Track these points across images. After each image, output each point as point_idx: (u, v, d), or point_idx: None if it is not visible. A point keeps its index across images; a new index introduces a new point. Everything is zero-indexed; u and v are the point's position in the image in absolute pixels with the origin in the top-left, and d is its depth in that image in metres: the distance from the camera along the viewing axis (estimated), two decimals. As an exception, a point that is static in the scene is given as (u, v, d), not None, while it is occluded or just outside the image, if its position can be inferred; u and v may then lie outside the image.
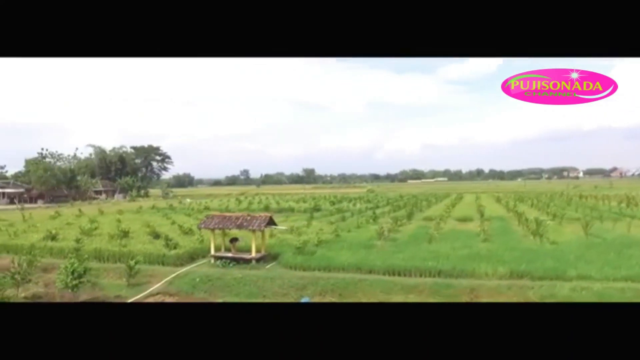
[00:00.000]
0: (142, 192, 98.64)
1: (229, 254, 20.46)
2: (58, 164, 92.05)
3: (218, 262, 20.17)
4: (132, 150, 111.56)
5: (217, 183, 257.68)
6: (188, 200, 79.23)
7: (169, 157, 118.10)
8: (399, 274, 17.60)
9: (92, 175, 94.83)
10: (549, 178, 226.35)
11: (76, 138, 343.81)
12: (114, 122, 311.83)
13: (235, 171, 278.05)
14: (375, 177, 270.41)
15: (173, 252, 20.56)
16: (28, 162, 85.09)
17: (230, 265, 19.87)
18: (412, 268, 17.71)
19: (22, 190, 75.63)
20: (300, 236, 22.83)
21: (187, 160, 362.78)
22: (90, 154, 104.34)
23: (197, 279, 18.53)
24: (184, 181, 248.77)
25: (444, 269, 17.40)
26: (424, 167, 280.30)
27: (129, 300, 17.17)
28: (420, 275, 17.39)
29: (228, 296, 17.29)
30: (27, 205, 64.95)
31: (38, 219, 38.27)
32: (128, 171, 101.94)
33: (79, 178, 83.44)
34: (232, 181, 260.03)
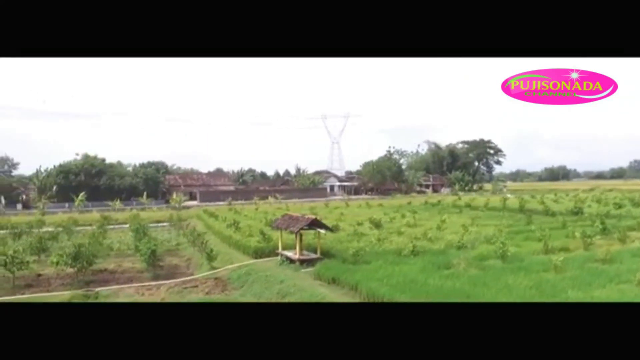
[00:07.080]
0: (475, 186, 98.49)
1: (287, 253, 20.88)
2: (401, 160, 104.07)
3: (280, 258, 20.98)
4: (465, 145, 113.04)
5: (599, 176, 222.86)
6: (509, 195, 75.12)
7: (500, 151, 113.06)
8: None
9: (428, 170, 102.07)
10: None
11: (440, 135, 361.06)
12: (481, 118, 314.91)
13: (624, 162, 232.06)
14: None
15: (253, 245, 22.74)
16: (379, 159, 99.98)
17: (285, 262, 20.36)
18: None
19: (355, 184, 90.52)
20: (358, 242, 20.34)
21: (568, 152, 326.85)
22: (427, 150, 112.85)
23: (243, 272, 20.12)
24: (558, 174, 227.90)
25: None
26: None
27: (189, 277, 20.66)
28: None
29: (241, 291, 18.20)
30: (353, 197, 77.82)
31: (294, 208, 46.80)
32: (459, 165, 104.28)
33: (406, 173, 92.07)
34: (618, 174, 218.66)
